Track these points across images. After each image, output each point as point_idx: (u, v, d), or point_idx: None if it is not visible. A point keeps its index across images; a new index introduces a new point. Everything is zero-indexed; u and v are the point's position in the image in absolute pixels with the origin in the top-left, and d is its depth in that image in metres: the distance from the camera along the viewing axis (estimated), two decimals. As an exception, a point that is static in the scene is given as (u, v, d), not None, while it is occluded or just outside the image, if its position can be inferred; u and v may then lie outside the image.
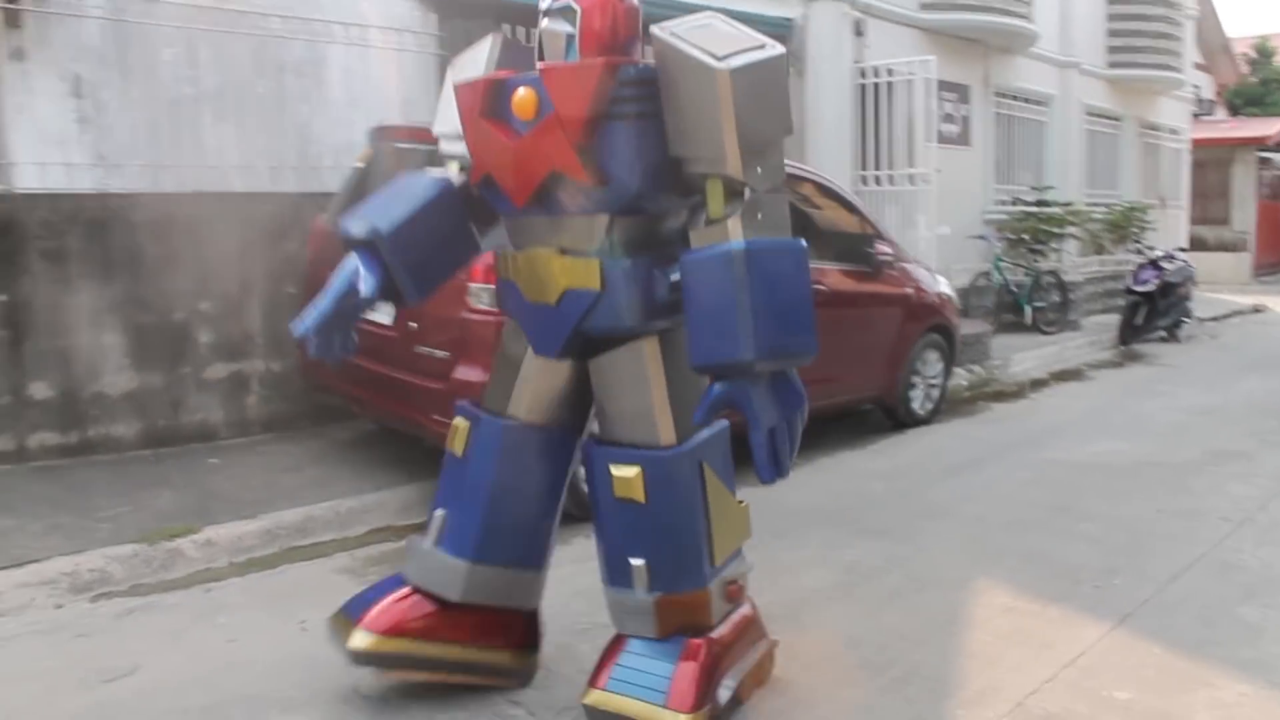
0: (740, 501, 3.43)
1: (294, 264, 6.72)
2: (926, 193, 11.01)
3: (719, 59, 2.89)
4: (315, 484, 5.80)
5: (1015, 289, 13.00)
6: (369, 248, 3.29)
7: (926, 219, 10.96)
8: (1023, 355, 11.05)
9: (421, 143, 6.06)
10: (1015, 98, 14.36)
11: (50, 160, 6.40)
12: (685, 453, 3.22)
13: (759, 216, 2.98)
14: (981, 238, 12.93)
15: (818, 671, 3.81)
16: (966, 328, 9.47)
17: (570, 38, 3.11)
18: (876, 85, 11.32)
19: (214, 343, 6.53)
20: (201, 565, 4.91)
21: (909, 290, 7.72)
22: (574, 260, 3.19)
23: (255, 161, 7.13)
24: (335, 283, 3.28)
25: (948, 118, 12.87)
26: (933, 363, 8.10)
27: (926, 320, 7.92)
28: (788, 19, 10.76)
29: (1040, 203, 13.68)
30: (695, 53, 2.92)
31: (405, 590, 3.47)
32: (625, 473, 3.20)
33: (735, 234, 2.94)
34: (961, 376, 9.42)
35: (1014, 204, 13.86)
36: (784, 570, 4.77)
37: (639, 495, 3.19)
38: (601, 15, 3.10)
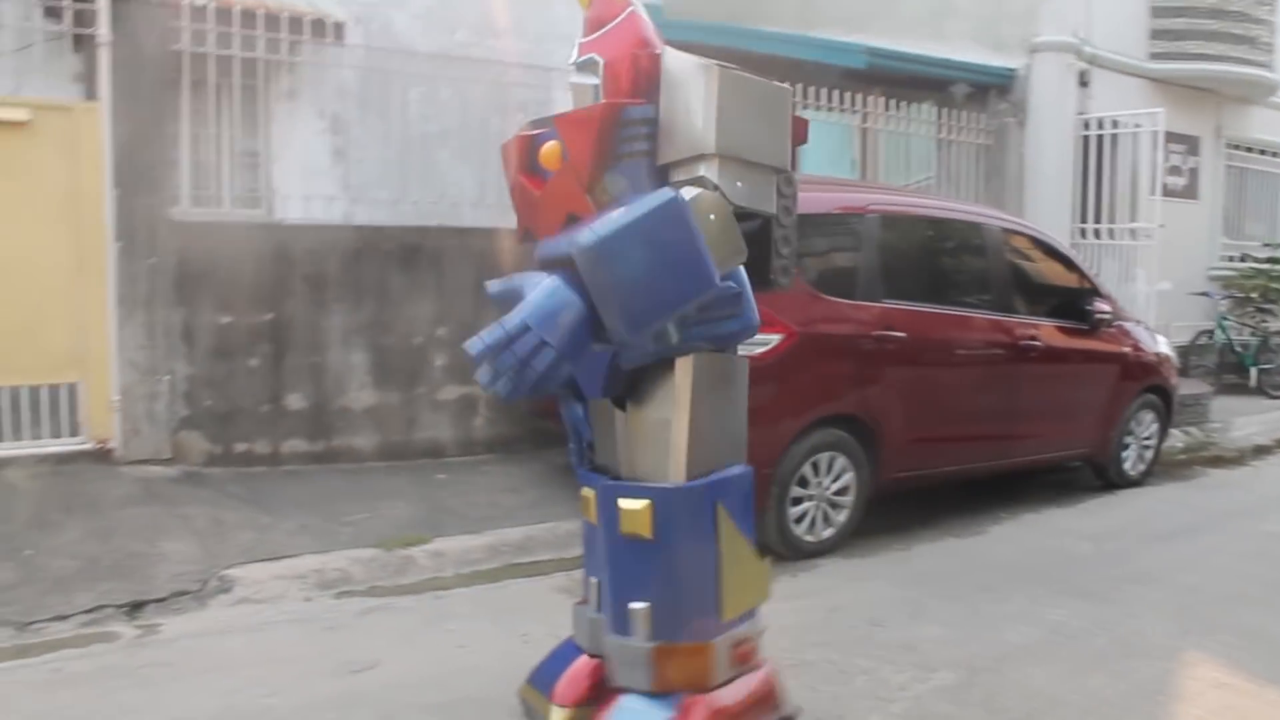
0: (763, 558, 3.24)
1: (523, 295, 7.12)
2: (1148, 247, 10.77)
3: (721, 67, 2.97)
4: (535, 505, 6.16)
5: (1240, 349, 12.50)
6: None
7: (1147, 274, 10.71)
8: (1245, 420, 10.62)
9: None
10: (1250, 149, 13.83)
11: (308, 192, 7.01)
12: (698, 489, 3.08)
13: (710, 217, 2.94)
14: (1205, 294, 12.48)
15: (1021, 728, 3.87)
16: (1185, 388, 9.22)
17: (596, 90, 3.16)
18: (1100, 137, 11.14)
19: (447, 366, 7.00)
20: (431, 573, 5.30)
21: (1126, 349, 7.61)
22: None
23: (486, 197, 7.59)
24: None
25: (1174, 170, 12.51)
26: (1147, 423, 7.93)
27: (1143, 380, 7.78)
28: (1010, 69, 10.73)
29: (1272, 260, 13.10)
30: (691, 58, 3.02)
31: (584, 658, 3.40)
32: (633, 505, 3.05)
33: (685, 194, 2.92)
34: (1177, 438, 9.14)
35: (1242, 260, 13.32)
36: (987, 623, 4.83)
37: (645, 530, 3.04)
38: (625, 66, 3.11)
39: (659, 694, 3.09)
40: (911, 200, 7.07)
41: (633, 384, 3.16)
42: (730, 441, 3.25)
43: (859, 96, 9.59)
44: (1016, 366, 6.77)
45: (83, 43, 6.44)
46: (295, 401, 6.57)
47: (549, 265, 3.10)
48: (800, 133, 3.26)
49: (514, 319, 2.88)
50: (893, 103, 9.82)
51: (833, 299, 5.89)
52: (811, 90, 8.96)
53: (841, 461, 5.92)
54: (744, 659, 3.22)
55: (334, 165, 7.97)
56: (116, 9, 6.05)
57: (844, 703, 3.97)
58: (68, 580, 4.81)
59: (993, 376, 6.69)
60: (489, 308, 6.90)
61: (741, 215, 3.06)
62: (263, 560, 5.15)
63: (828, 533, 5.91)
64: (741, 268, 3.15)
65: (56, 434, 6.08)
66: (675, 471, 3.06)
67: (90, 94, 6.39)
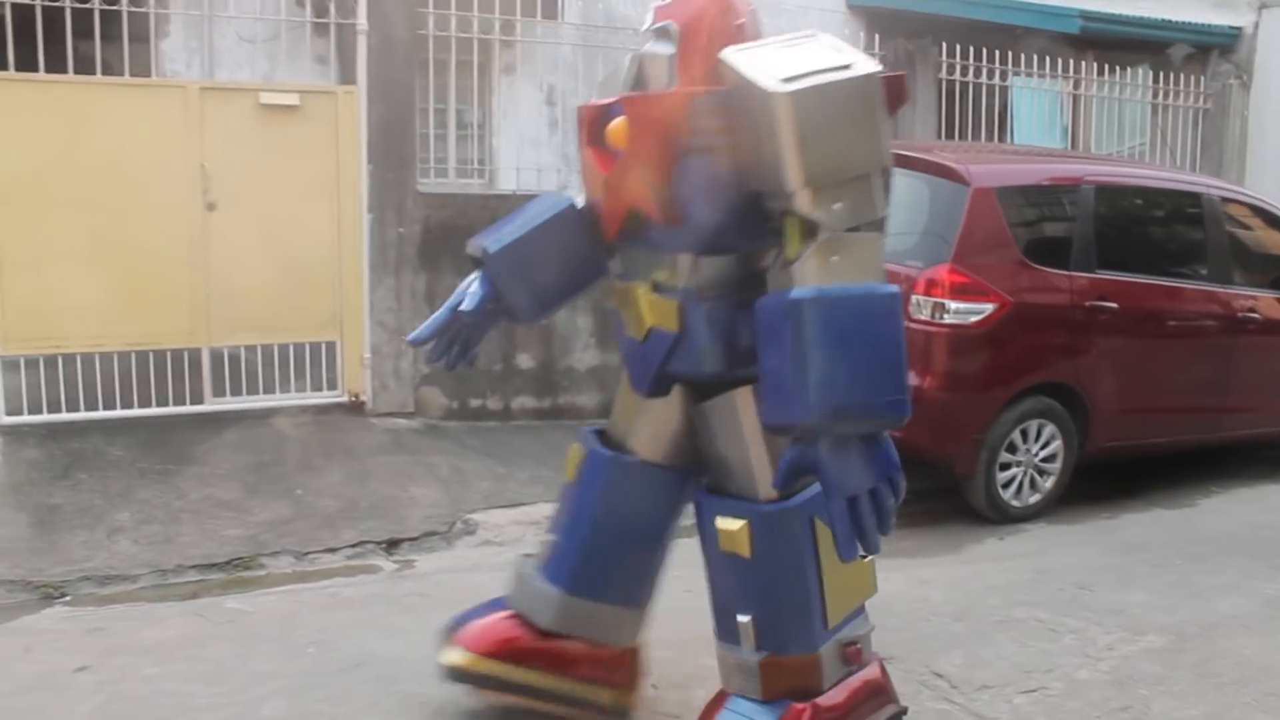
0: (863, 556, 2.97)
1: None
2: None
3: (784, 81, 2.55)
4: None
5: None
6: (483, 265, 3.25)
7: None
8: None
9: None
10: None
11: (526, 162, 7.45)
12: (793, 508, 2.94)
13: (834, 259, 2.60)
14: None
15: (1232, 692, 3.98)
16: None
17: (671, 61, 2.86)
18: (1334, 98, 10.68)
19: (665, 329, 7.36)
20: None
21: (1355, 321, 7.39)
22: (659, 299, 2.99)
23: None
24: (452, 297, 3.28)
25: None
26: (1377, 399, 7.69)
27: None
28: (1236, 28, 10.39)
29: None
30: (756, 75, 2.59)
31: (507, 613, 3.40)
32: (730, 525, 2.97)
33: (804, 279, 2.58)
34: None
35: None
36: (1197, 593, 4.92)
37: (744, 550, 2.96)
38: (703, 34, 2.82)
39: (766, 700, 3.04)
40: (1127, 171, 7.04)
41: (704, 393, 3.05)
42: None
43: (1070, 62, 9.49)
44: (1233, 338, 6.71)
45: (322, 30, 6.99)
46: (525, 361, 7.08)
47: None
48: (898, 94, 2.83)
49: (838, 507, 2.61)
50: (1105, 67, 9.67)
51: (1045, 269, 5.99)
52: (1022, 57, 8.92)
53: (1050, 429, 6.04)
54: (852, 659, 3.12)
55: (551, 135, 8.43)
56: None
57: (1053, 658, 4.18)
58: (333, 517, 5.41)
59: (1207, 348, 6.66)
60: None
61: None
62: (501, 507, 5.65)
63: (1034, 498, 6.05)
64: None
65: (317, 387, 6.74)
66: (765, 491, 2.95)
67: (332, 77, 6.96)
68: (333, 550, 5.12)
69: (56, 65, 6.11)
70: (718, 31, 2.81)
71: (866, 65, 2.64)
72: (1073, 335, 6.08)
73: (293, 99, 6.48)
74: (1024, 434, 5.97)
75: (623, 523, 3.23)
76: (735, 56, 2.67)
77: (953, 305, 5.68)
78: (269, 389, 6.65)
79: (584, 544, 3.27)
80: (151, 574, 4.82)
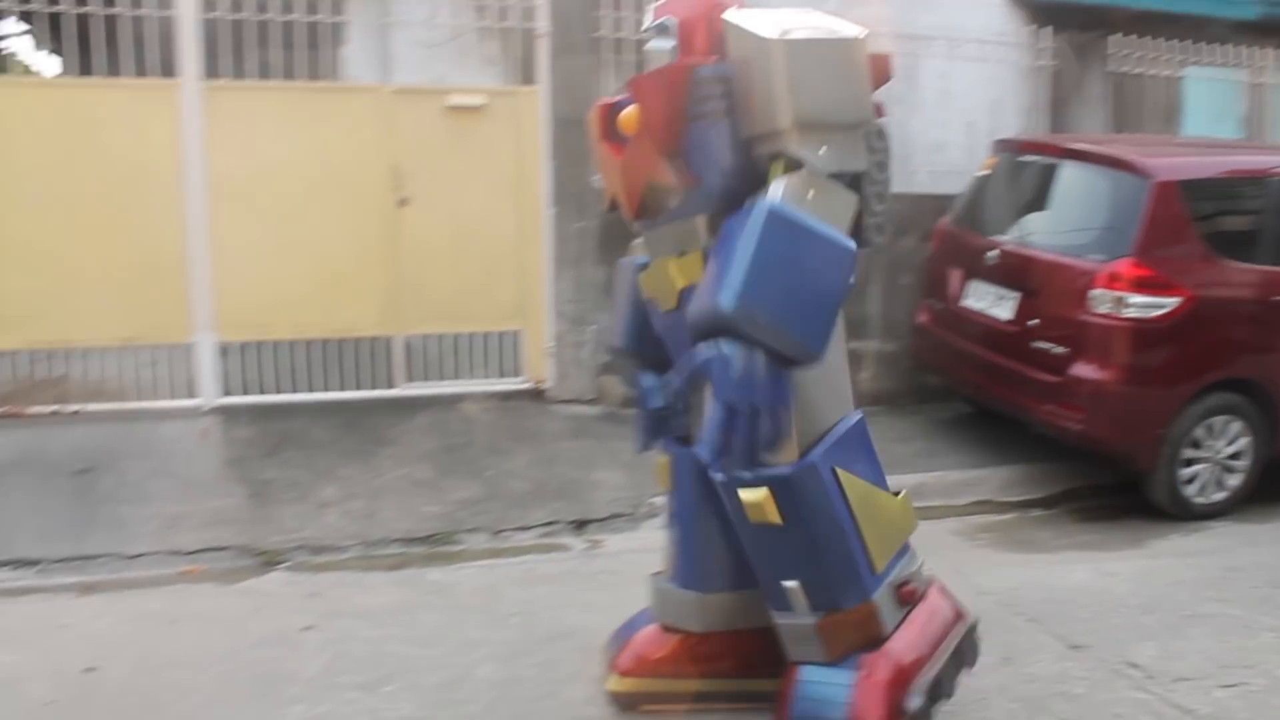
0: (896, 493, 3.16)
1: (910, 258, 7.52)
2: None
3: (781, 31, 2.84)
4: (922, 455, 6.55)
5: None
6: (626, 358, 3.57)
7: None
8: None
9: (1042, 155, 6.58)
10: None
11: None
12: (810, 465, 2.93)
13: (809, 195, 2.81)
14: None
15: None
16: None
17: (673, 54, 3.08)
18: None
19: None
20: (831, 512, 5.80)
21: None
22: (685, 259, 3.19)
23: None
24: (639, 399, 3.40)
25: None
26: None
27: None
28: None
29: None
30: (755, 28, 2.89)
31: (653, 629, 3.48)
32: (754, 497, 2.93)
33: (773, 195, 2.81)
34: None
35: None
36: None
37: (774, 517, 2.93)
38: (699, 27, 3.05)
39: (834, 661, 3.06)
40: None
41: None
42: (836, 397, 3.13)
43: (1248, 50, 9.22)
44: None
45: (490, 33, 7.22)
46: (701, 353, 7.23)
47: (694, 331, 2.86)
48: (883, 72, 3.05)
49: (716, 412, 2.77)
50: (1288, 55, 9.36)
51: (1232, 263, 5.90)
52: (1196, 45, 8.73)
53: (1237, 426, 5.94)
54: (907, 599, 3.13)
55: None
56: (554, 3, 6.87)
57: (1251, 654, 4.15)
58: (523, 498, 5.67)
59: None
60: (876, 269, 7.34)
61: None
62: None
63: (1219, 496, 5.96)
64: None
65: (502, 374, 7.03)
66: (787, 451, 2.92)
67: (504, 78, 7.19)
68: (525, 529, 5.38)
69: (251, 73, 6.54)
70: (714, 20, 3.05)
71: (854, 31, 2.95)
72: (1259, 330, 5.97)
73: (479, 99, 6.76)
74: (1209, 429, 5.89)
75: (712, 512, 3.24)
76: (737, 15, 3.00)
77: (1135, 299, 5.64)
78: (457, 375, 6.97)
79: (690, 542, 3.39)
80: (358, 545, 5.15)
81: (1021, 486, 6.26)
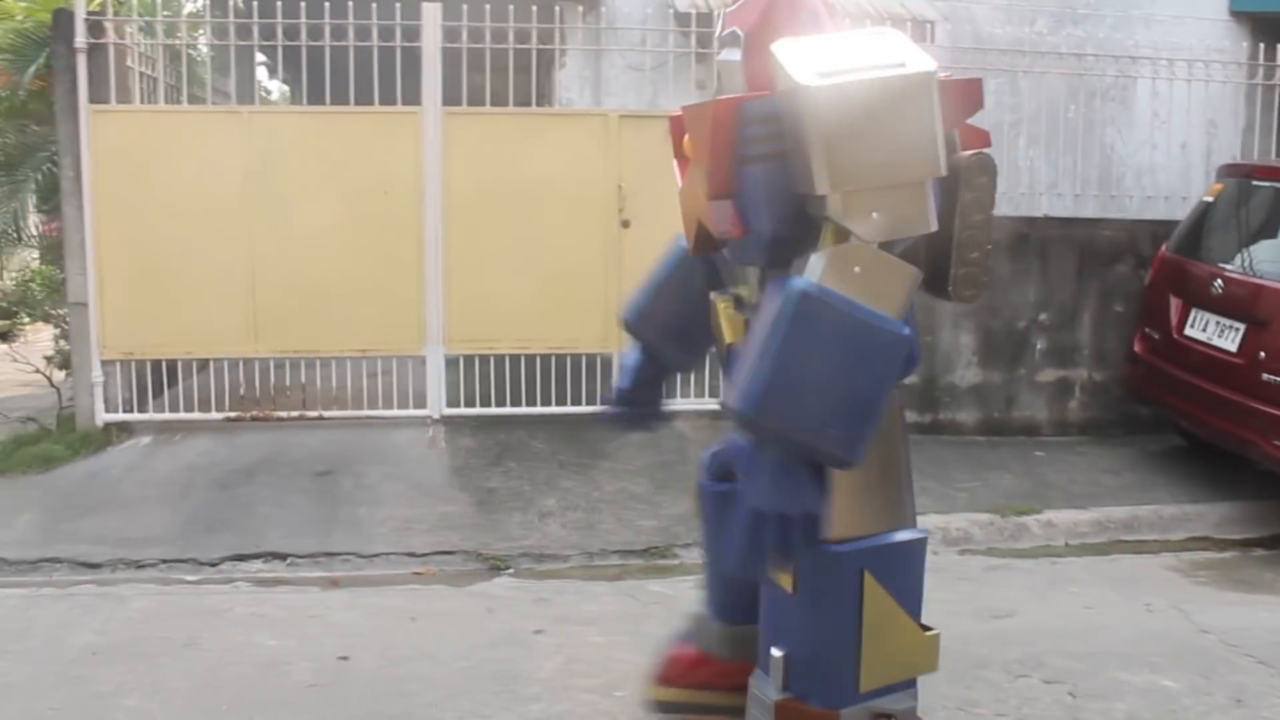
0: (927, 630, 2.84)
1: (1122, 285, 7.40)
2: None
3: (820, 75, 2.37)
4: (1133, 487, 6.43)
5: None
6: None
7: None
8: None
9: (1275, 180, 6.39)
10: None
11: None
12: (841, 554, 2.68)
13: (855, 269, 2.39)
14: None
15: None
16: None
17: (742, 67, 2.69)
18: None
19: (1047, 350, 7.40)
20: (1043, 541, 5.79)
21: None
22: (736, 314, 2.88)
23: (1060, 185, 7.82)
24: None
25: None
26: None
27: None
28: None
29: None
30: (793, 68, 2.42)
31: (694, 647, 3.41)
32: None
33: (814, 273, 2.39)
34: None
35: None
36: None
37: (787, 584, 2.74)
38: (768, 36, 2.61)
39: None
40: None
41: None
42: (885, 504, 2.81)
43: None
44: None
45: (701, 57, 7.39)
46: (909, 376, 7.27)
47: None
48: (970, 102, 2.67)
49: (742, 518, 2.49)
50: None
51: None
52: None
53: None
54: None
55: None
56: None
57: None
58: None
59: None
60: (1087, 297, 7.26)
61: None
62: (892, 515, 5.86)
63: None
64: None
65: (710, 394, 7.18)
66: (829, 529, 2.62)
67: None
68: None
69: (475, 99, 6.91)
70: (782, 32, 2.61)
71: (921, 64, 2.42)
72: None
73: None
74: None
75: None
76: (783, 48, 2.50)
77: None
78: (669, 394, 7.15)
79: (716, 574, 3.33)
80: (579, 555, 5.40)
81: (1243, 524, 6.08)
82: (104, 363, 6.70)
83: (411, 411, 6.94)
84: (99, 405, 6.72)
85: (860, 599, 2.70)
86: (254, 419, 6.81)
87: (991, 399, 7.36)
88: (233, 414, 6.85)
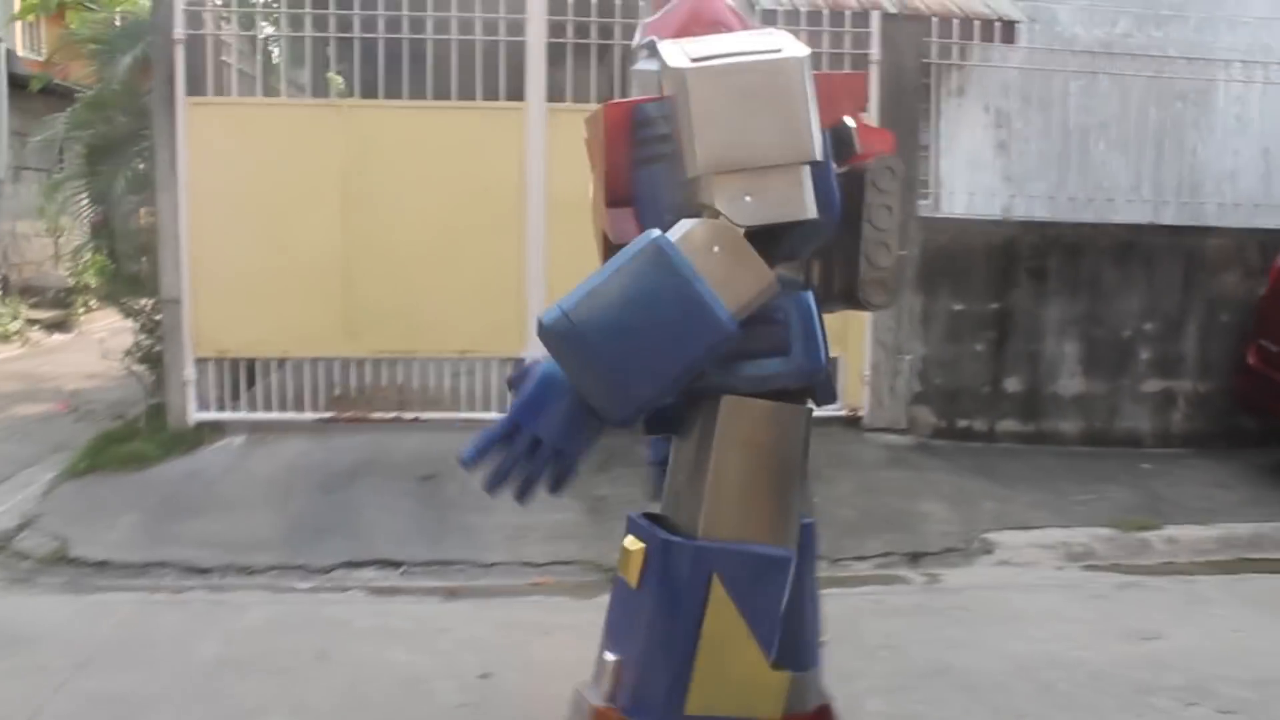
0: (777, 666, 2.52)
1: (1231, 295, 7.28)
2: None
3: (692, 60, 2.35)
4: (1250, 503, 6.28)
5: None
6: None
7: None
8: None
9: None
10: None
11: (971, 185, 7.57)
12: (691, 549, 2.47)
13: (714, 249, 2.31)
14: None
15: None
16: None
17: (658, 76, 2.57)
18: None
19: (1151, 360, 7.27)
20: (1167, 558, 5.63)
21: None
22: None
23: (1142, 189, 7.73)
24: None
25: None
26: None
27: None
28: None
29: None
30: (669, 55, 2.39)
31: None
32: (631, 545, 2.58)
33: (674, 232, 2.31)
34: None
35: None
36: None
37: (632, 578, 2.56)
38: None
39: None
40: None
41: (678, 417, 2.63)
42: (762, 514, 2.55)
43: None
44: None
45: (824, 59, 7.28)
46: (1012, 385, 7.15)
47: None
48: (856, 96, 2.65)
49: (504, 418, 2.41)
50: None
51: None
52: None
53: None
54: None
55: (995, 158, 8.41)
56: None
57: None
58: (854, 527, 5.67)
59: None
60: (1192, 306, 7.14)
61: (767, 231, 2.38)
62: (1012, 529, 5.74)
63: None
64: (807, 295, 2.54)
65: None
66: (697, 523, 2.49)
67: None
68: (862, 558, 5.40)
69: (556, 95, 6.75)
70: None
71: (794, 51, 2.37)
72: None
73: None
74: None
75: None
76: (665, 42, 2.48)
77: None
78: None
79: None
80: (699, 565, 5.25)
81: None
82: (196, 360, 6.59)
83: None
84: (191, 404, 6.62)
85: (704, 605, 2.47)
86: (349, 420, 6.69)
87: (1095, 409, 7.23)
88: (327, 414, 6.74)
